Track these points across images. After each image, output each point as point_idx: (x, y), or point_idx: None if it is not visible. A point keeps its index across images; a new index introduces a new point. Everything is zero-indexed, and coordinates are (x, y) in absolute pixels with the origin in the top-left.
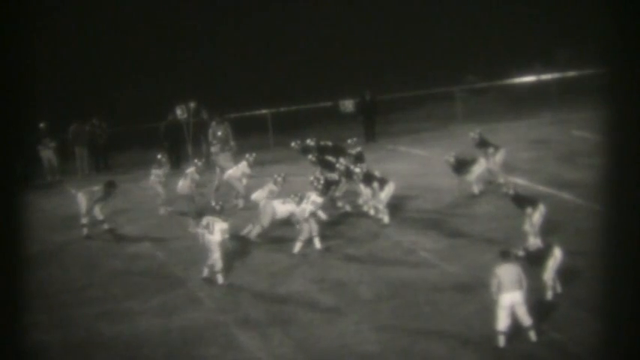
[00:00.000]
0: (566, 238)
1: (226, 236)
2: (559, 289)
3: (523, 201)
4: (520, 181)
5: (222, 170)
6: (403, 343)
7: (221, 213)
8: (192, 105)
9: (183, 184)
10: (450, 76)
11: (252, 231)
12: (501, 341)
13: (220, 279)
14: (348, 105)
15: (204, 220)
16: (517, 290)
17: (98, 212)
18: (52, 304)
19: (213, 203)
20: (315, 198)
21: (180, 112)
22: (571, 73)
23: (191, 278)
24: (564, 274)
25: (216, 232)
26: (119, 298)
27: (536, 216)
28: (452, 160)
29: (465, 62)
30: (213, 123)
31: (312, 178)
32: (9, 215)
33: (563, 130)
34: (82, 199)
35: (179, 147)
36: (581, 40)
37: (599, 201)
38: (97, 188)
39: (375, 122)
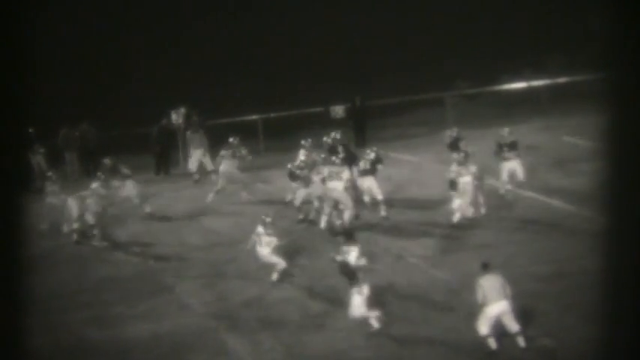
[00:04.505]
0: (556, 245)
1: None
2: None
3: None
4: (510, 188)
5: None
6: (393, 349)
7: None
8: (182, 110)
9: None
10: (440, 81)
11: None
12: (492, 344)
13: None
14: (338, 111)
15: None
16: (503, 299)
17: (89, 217)
18: (41, 309)
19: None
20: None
21: (175, 117)
22: (561, 80)
23: (180, 283)
24: (555, 279)
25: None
26: (109, 303)
27: None
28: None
29: (455, 68)
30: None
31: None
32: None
33: (553, 137)
34: (72, 204)
35: (169, 152)
36: (571, 46)
37: (591, 207)
38: (87, 193)
39: (366, 128)
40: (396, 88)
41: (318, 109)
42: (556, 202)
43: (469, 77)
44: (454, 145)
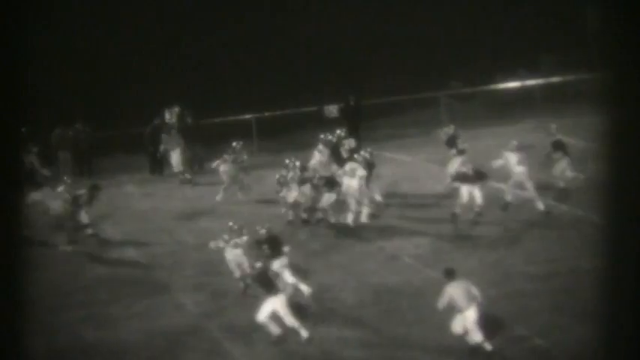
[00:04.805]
0: (549, 244)
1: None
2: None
3: None
4: (502, 187)
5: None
6: (386, 349)
7: None
8: (176, 109)
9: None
10: (434, 81)
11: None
12: (487, 346)
13: None
14: (332, 110)
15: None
16: (475, 304)
17: (83, 216)
18: (36, 309)
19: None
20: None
21: (168, 117)
22: (555, 79)
23: (175, 283)
24: (548, 279)
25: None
26: (103, 303)
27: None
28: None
29: (449, 68)
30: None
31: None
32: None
33: (546, 136)
34: (65, 204)
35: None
36: (565, 46)
37: (584, 207)
38: (81, 193)
39: (360, 127)
40: (391, 88)
41: (312, 109)
42: (548, 202)
43: (463, 77)
44: (451, 142)
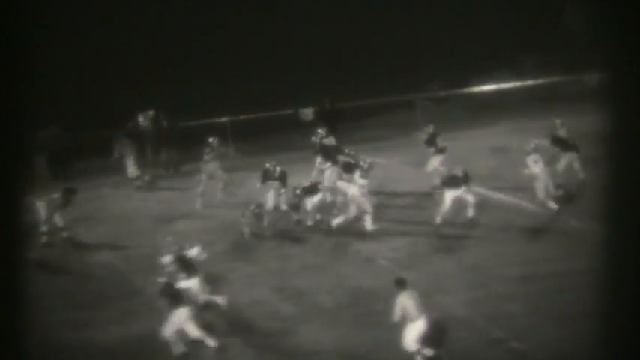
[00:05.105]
0: (524, 246)
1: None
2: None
3: None
4: (479, 190)
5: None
6: (362, 351)
7: None
8: (150, 113)
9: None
10: (411, 84)
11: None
12: (427, 352)
13: None
14: (308, 113)
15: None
16: (422, 313)
17: (58, 219)
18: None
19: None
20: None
21: (142, 120)
22: (530, 82)
23: (151, 286)
24: (525, 281)
25: None
26: (78, 306)
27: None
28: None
29: (425, 70)
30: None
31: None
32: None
33: (522, 138)
34: (40, 207)
35: (136, 155)
36: (543, 49)
37: (561, 209)
38: (56, 196)
39: (336, 130)
40: (367, 91)
41: (287, 112)
42: (524, 204)
43: (442, 79)
44: (431, 142)
